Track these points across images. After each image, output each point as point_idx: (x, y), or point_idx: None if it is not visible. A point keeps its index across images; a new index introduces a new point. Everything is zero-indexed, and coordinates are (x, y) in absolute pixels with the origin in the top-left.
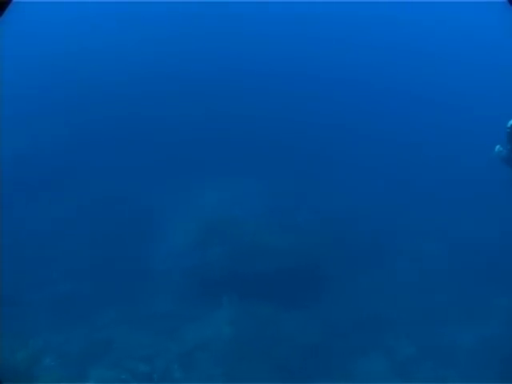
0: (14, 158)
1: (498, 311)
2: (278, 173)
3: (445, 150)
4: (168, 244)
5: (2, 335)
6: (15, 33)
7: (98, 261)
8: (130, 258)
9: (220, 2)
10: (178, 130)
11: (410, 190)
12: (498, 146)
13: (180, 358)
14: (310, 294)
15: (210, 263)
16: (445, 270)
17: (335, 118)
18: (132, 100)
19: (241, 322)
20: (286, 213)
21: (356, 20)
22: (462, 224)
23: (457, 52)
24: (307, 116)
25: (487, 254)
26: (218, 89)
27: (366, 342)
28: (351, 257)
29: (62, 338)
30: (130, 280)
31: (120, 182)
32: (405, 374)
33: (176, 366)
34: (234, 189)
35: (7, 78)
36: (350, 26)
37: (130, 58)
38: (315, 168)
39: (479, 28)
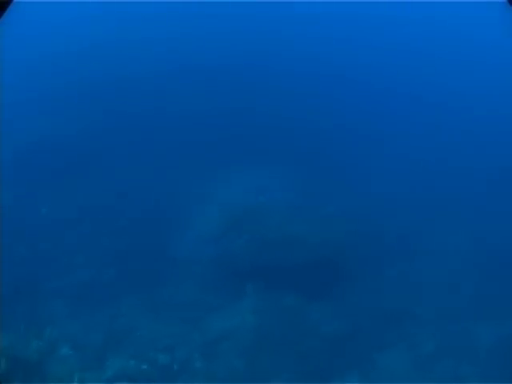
0: (32, 146)
1: None
2: (306, 165)
3: (464, 148)
4: (193, 232)
5: (16, 324)
6: (15, 33)
7: (121, 248)
8: (153, 246)
9: (224, 2)
10: (205, 120)
11: (438, 187)
12: None
13: (202, 348)
14: (335, 286)
15: (235, 252)
16: (471, 267)
17: (366, 114)
18: (154, 95)
19: (265, 313)
20: (312, 205)
21: (357, 20)
22: (488, 222)
23: (457, 52)
24: (336, 111)
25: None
26: (245, 85)
27: (389, 336)
28: (378, 251)
29: (81, 326)
30: (152, 268)
31: (145, 172)
32: (426, 369)
33: (197, 357)
34: (261, 180)
35: (7, 77)
36: (353, 26)
37: (132, 57)
38: (343, 161)
39: (479, 28)
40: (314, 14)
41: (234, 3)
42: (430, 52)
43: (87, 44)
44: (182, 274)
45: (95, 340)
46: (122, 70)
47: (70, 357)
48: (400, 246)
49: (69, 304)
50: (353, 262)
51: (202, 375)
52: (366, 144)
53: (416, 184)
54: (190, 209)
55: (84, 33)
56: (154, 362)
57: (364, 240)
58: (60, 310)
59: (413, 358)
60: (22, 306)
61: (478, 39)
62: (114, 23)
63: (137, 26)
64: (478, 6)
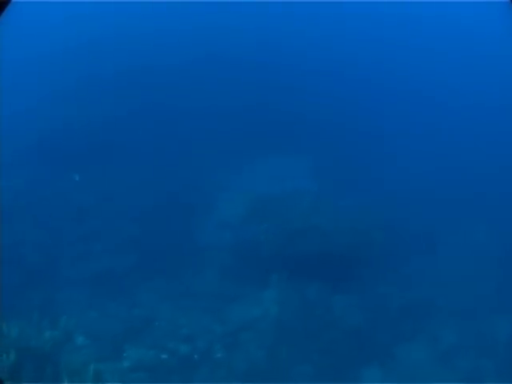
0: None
1: None
2: (329, 157)
3: (483, 146)
4: (216, 219)
5: (29, 313)
6: (14, 33)
7: (140, 235)
8: (173, 234)
9: (228, 2)
10: (229, 112)
11: (460, 182)
12: None
13: (223, 339)
14: (357, 277)
15: (259, 240)
16: (492, 262)
17: (389, 108)
18: (158, 89)
19: (289, 303)
20: (335, 195)
21: (358, 20)
22: (510, 217)
23: (459, 51)
24: (360, 103)
25: None
26: (268, 82)
27: (411, 328)
28: (400, 244)
29: (99, 315)
30: (174, 255)
31: (166, 160)
32: (445, 361)
33: (218, 347)
34: (286, 169)
35: (6, 77)
36: (358, 25)
37: (132, 55)
38: (369, 152)
39: (482, 28)
40: (322, 14)
41: (243, 3)
42: (431, 52)
43: (85, 42)
44: (204, 261)
45: (113, 329)
46: (123, 67)
47: (85, 347)
48: (422, 240)
49: (86, 292)
50: (375, 254)
51: (223, 366)
52: (390, 138)
53: (438, 178)
54: (210, 197)
55: (82, 31)
56: (175, 352)
57: (386, 232)
58: (77, 299)
59: (433, 350)
60: (36, 293)
61: (481, 39)
62: (112, 21)
63: (137, 24)
64: (481, 5)
